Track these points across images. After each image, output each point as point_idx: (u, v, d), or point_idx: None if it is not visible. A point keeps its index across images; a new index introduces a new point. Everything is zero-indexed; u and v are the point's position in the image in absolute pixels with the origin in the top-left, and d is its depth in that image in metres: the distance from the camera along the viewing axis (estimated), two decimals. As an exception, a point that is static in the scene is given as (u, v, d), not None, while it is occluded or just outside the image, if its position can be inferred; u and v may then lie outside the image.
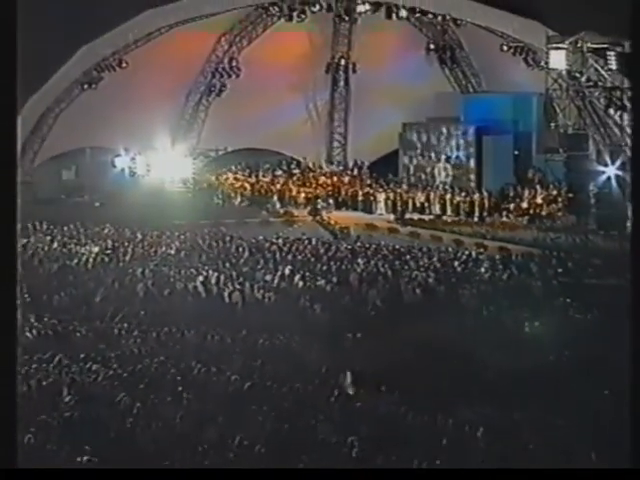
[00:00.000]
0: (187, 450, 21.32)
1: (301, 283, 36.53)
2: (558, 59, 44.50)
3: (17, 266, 14.47)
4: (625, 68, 43.69)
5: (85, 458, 20.85)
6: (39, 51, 47.24)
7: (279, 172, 52.50)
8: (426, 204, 48.95)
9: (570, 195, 46.68)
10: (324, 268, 38.20)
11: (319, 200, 50.43)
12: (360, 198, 50.34)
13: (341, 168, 53.76)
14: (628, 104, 43.76)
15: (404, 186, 50.08)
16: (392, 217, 48.33)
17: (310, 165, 53.58)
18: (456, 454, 21.16)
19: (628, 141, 44.18)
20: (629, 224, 44.28)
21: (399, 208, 49.01)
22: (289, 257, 39.77)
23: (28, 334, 30.38)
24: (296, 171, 52.83)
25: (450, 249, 41.90)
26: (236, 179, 52.07)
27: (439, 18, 48.98)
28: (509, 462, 20.61)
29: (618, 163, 44.27)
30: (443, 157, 50.04)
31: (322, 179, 52.02)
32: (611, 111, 44.25)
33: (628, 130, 44.01)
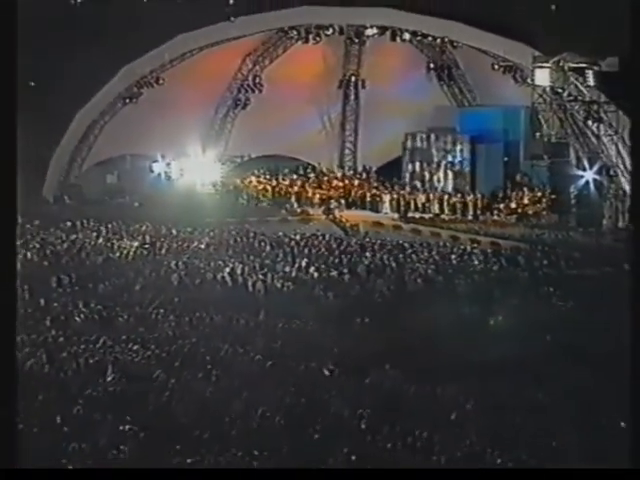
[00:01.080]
0: (216, 420, 21.48)
1: (316, 274, 36.59)
2: (542, 77, 44.57)
3: (17, 266, 13.63)
4: (602, 85, 43.81)
5: (127, 427, 21.06)
6: (87, 71, 47.56)
7: (296, 176, 52.47)
8: (426, 204, 49.00)
9: (553, 196, 46.78)
10: (336, 261, 38.25)
11: (332, 201, 50.48)
12: (368, 199, 50.39)
13: (351, 172, 53.70)
14: (604, 116, 43.86)
15: (407, 188, 50.10)
16: (396, 216, 48.35)
17: (324, 170, 53.56)
18: (451, 424, 21.33)
19: (604, 149, 44.29)
20: (605, 222, 44.48)
21: (402, 208, 49.04)
22: (305, 251, 39.77)
23: (77, 318, 30.54)
24: (312, 175, 52.80)
25: (447, 244, 41.90)
26: (259, 182, 52.07)
27: (438, 40, 48.97)
28: (495, 430, 20.76)
29: (595, 168, 44.39)
30: (442, 163, 50.07)
31: (335, 182, 52.01)
32: (589, 122, 44.32)
33: (604, 139, 44.12)
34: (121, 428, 20.91)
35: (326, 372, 25.21)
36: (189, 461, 19.14)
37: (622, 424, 20.82)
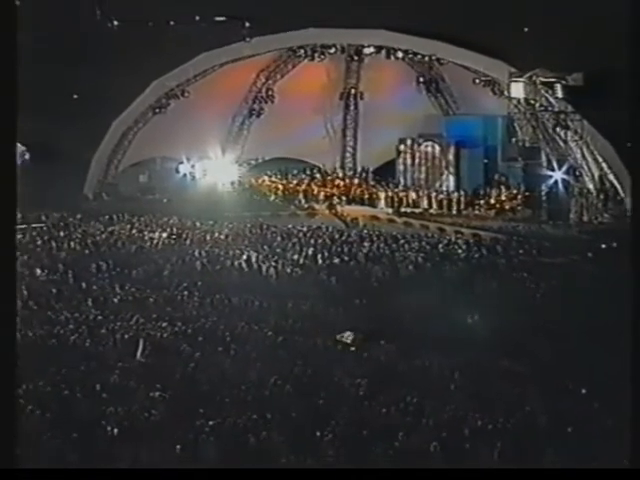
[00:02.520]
0: (234, 388, 21.49)
1: (321, 261, 36.52)
2: (517, 90, 44.52)
3: (16, 266, 12.66)
4: (568, 97, 43.84)
5: (157, 394, 21.08)
6: (123, 85, 47.66)
7: (304, 176, 52.40)
8: (416, 200, 48.90)
9: (527, 194, 46.66)
10: (338, 249, 38.15)
11: (334, 197, 50.43)
12: (366, 196, 50.24)
13: (351, 173, 53.54)
14: (571, 124, 43.83)
15: (400, 187, 50.01)
16: (390, 210, 48.22)
17: (328, 170, 53.40)
18: (439, 391, 21.31)
19: (571, 153, 44.28)
20: (572, 216, 44.44)
21: (396, 204, 48.94)
22: (311, 241, 39.68)
23: (114, 299, 30.60)
24: (317, 175, 52.66)
25: (435, 235, 41.85)
26: (271, 181, 51.98)
27: (426, 58, 48.83)
28: (476, 396, 20.75)
29: (563, 169, 44.35)
30: (430, 165, 49.94)
31: (337, 181, 51.88)
32: (558, 129, 44.27)
33: (571, 144, 44.08)
34: (152, 394, 20.94)
35: (335, 345, 25.23)
36: (211, 423, 19.16)
37: (583, 390, 20.85)
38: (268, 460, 17.53)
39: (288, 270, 35.25)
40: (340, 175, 52.89)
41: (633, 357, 11.92)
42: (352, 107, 53.89)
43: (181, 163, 50.88)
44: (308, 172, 52.77)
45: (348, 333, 25.62)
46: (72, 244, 39.40)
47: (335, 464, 17.40)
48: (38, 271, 34.68)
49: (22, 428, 18.93)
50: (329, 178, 52.40)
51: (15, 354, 13.41)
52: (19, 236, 40.44)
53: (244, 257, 36.57)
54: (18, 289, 31.86)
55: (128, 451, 17.86)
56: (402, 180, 50.07)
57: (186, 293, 31.25)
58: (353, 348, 25.16)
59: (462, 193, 48.22)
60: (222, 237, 40.81)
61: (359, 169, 53.54)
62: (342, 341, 25.40)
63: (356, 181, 51.83)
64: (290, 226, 42.88)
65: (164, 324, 27.07)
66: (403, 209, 48.28)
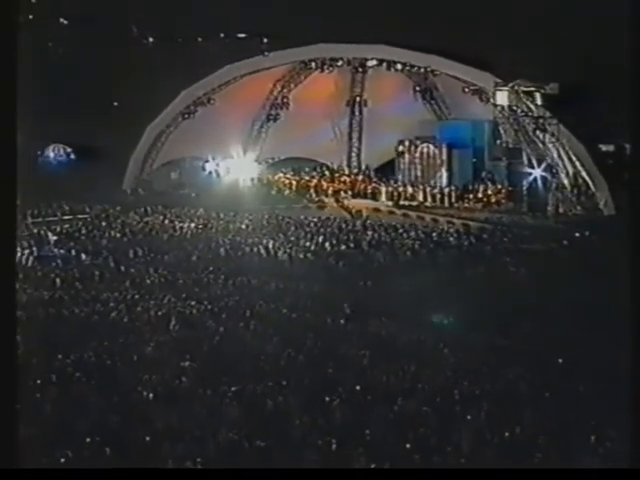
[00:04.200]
0: (253, 359, 21.46)
1: (329, 247, 36.49)
2: (501, 97, 44.40)
3: (15, 264, 11.07)
4: (546, 104, 43.82)
5: (187, 363, 21.11)
6: (156, 94, 47.68)
7: (314, 173, 52.25)
8: (413, 195, 48.76)
9: (510, 188, 46.51)
10: (345, 237, 38.06)
11: (341, 192, 50.34)
12: (369, 191, 50.03)
13: (356, 170, 53.38)
14: (548, 128, 43.79)
15: (399, 183, 49.85)
16: (390, 203, 48.08)
17: (335, 168, 53.29)
18: (432, 362, 21.30)
19: (548, 153, 44.19)
20: (549, 208, 44.33)
21: (395, 198, 48.82)
22: (321, 230, 39.59)
23: (148, 281, 30.62)
24: (326, 173, 52.49)
25: (429, 225, 41.78)
26: (286, 178, 51.76)
27: (422, 70, 48.73)
28: (465, 367, 20.73)
29: (542, 167, 44.24)
30: (425, 163, 49.77)
31: (344, 178, 51.68)
32: (537, 132, 44.19)
33: (549, 145, 43.98)
34: (182, 364, 20.98)
35: (342, 321, 25.24)
36: (233, 389, 19.17)
37: (559, 360, 20.80)
38: (284, 421, 17.55)
39: (300, 256, 35.24)
40: (346, 172, 52.72)
41: (633, 357, 11.27)
42: (357, 113, 53.64)
43: (207, 162, 50.76)
44: (318, 170, 52.62)
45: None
46: (112, 233, 39.43)
47: (342, 425, 17.40)
48: (83, 256, 34.76)
49: (71, 393, 19.13)
50: (336, 175, 52.23)
51: (16, 358, 12.21)
52: (66, 226, 40.60)
53: (262, 244, 36.55)
54: (67, 271, 32.10)
55: (162, 413, 17.89)
56: (401, 177, 49.90)
57: (211, 276, 31.25)
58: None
59: (453, 188, 48.07)
60: (243, 227, 40.78)
61: (363, 167, 53.32)
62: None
63: (360, 178, 51.66)
64: (302, 217, 42.76)
65: (192, 303, 27.08)
66: (402, 202, 48.12)
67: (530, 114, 44.29)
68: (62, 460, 15.66)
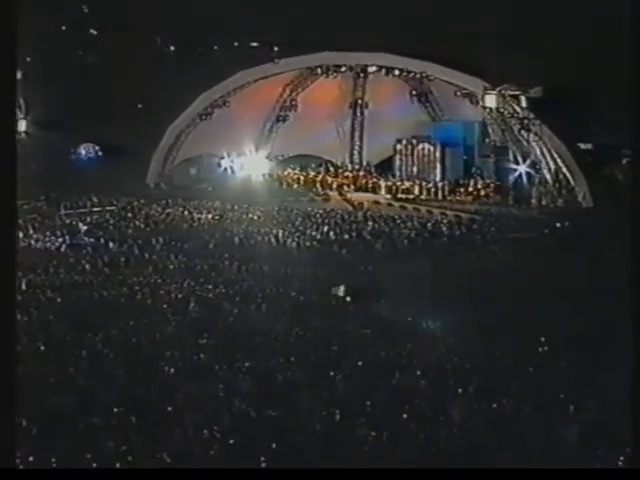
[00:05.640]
0: (264, 336, 21.41)
1: (333, 236, 36.47)
2: (490, 100, 44.36)
3: (16, 263, 9.88)
4: (530, 106, 43.75)
5: (204, 341, 21.09)
6: (177, 97, 47.68)
7: (320, 169, 52.16)
8: (410, 188, 48.63)
9: (497, 183, 46.45)
10: (347, 227, 38.03)
11: (344, 186, 50.24)
12: (370, 185, 49.95)
13: (358, 167, 53.26)
14: (532, 128, 43.75)
15: (397, 178, 49.71)
16: (389, 196, 47.99)
17: (339, 165, 53.16)
18: (427, 340, 21.26)
19: (532, 150, 44.12)
20: (533, 201, 44.26)
21: (394, 191, 48.69)
22: (326, 221, 39.55)
23: (170, 266, 30.59)
24: (330, 168, 52.38)
25: (425, 216, 41.74)
26: (294, 173, 51.72)
27: (418, 75, 48.59)
28: (457, 344, 20.69)
29: (526, 164, 44.21)
30: (420, 160, 49.59)
31: (346, 173, 51.55)
32: (522, 132, 44.17)
33: (532, 144, 43.92)
34: (200, 342, 20.96)
35: (348, 298, 25.15)
36: (247, 364, 19.15)
37: (541, 338, 20.71)
38: (292, 393, 17.52)
39: (307, 244, 35.21)
40: (349, 168, 52.55)
41: (634, 359, 10.94)
42: (358, 114, 53.44)
43: (223, 159, 50.63)
44: (323, 166, 52.53)
45: (342, 287, 25.57)
46: (137, 223, 39.42)
47: (344, 397, 17.38)
48: (111, 244, 34.74)
49: (100, 367, 19.13)
50: (340, 171, 52.10)
51: (15, 360, 11.28)
52: (96, 217, 40.58)
53: (272, 234, 36.51)
54: (96, 257, 32.08)
55: (182, 386, 17.88)
56: (398, 172, 49.73)
57: (226, 262, 31.22)
58: (349, 299, 25.13)
59: (446, 183, 47.93)
60: (255, 218, 40.73)
61: (364, 163, 53.20)
62: (336, 295, 25.35)
63: (362, 173, 51.52)
64: (309, 209, 42.72)
65: (209, 286, 27.08)
66: (399, 195, 47.99)
67: (516, 115, 44.20)
68: (93, 425, 15.64)
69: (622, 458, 14.29)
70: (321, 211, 42.08)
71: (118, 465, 14.18)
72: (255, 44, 52.14)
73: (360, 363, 19.32)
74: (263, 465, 14.22)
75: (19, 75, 46.22)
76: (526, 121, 43.89)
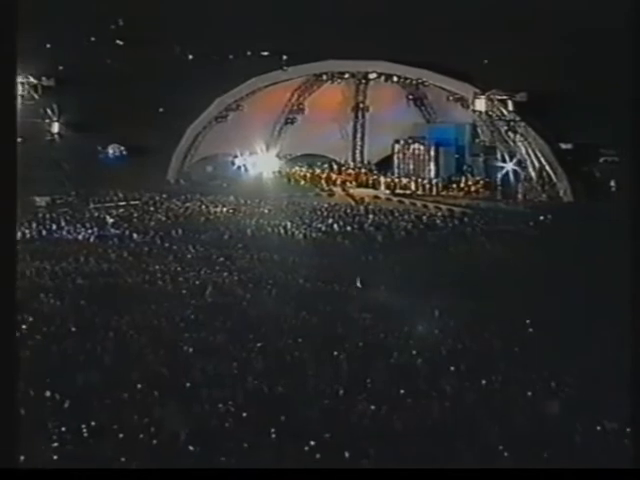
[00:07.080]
0: (274, 320, 21.33)
1: (337, 229, 36.45)
2: (480, 104, 44.36)
3: (16, 261, 9.00)
4: (517, 109, 43.67)
5: (219, 324, 21.01)
6: (195, 101, 47.72)
7: (325, 167, 52.12)
8: (407, 185, 48.55)
9: (486, 180, 46.48)
10: (350, 220, 38.01)
11: (347, 183, 50.20)
12: (370, 181, 49.97)
13: (360, 165, 53.23)
14: (518, 129, 43.79)
15: (395, 175, 49.64)
16: (388, 192, 47.99)
17: (342, 163, 53.13)
18: (425, 324, 21.15)
19: (518, 150, 44.14)
20: (519, 196, 44.20)
21: (392, 187, 48.64)
22: (331, 214, 39.53)
23: (188, 256, 30.54)
24: (335, 166, 52.41)
25: (420, 210, 41.66)
26: (301, 171, 51.72)
27: (414, 81, 48.55)
28: (452, 327, 20.62)
29: (513, 162, 44.22)
30: (417, 159, 49.47)
31: (349, 171, 51.58)
32: (509, 133, 44.17)
33: (519, 144, 43.95)
34: (216, 324, 20.92)
35: (359, 284, 25.10)
36: (258, 345, 19.09)
37: (527, 321, 20.66)
38: (299, 371, 17.50)
39: (314, 235, 35.19)
40: (351, 166, 52.53)
41: (633, 360, 10.83)
42: (360, 117, 53.37)
43: (236, 157, 50.64)
44: (328, 164, 52.48)
45: (358, 279, 25.58)
46: (158, 216, 39.42)
47: (347, 375, 17.34)
48: (135, 235, 34.73)
49: (125, 347, 19.11)
50: (343, 168, 52.09)
51: (17, 356, 10.23)
52: (121, 210, 40.58)
53: (282, 226, 36.46)
54: (122, 248, 32.05)
55: (199, 364, 17.85)
56: (397, 170, 49.73)
57: (240, 251, 31.13)
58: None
59: (440, 179, 47.95)
60: (266, 211, 40.69)
61: (365, 162, 53.16)
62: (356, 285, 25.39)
63: (363, 171, 51.50)
64: (315, 203, 42.71)
65: (224, 274, 27.00)
66: (397, 191, 47.98)
67: (503, 118, 44.20)
68: (122, 398, 15.65)
69: (599, 428, 14.23)
70: (326, 205, 42.04)
71: (141, 436, 14.15)
72: (266, 53, 52.11)
73: (361, 344, 19.25)
74: (273, 436, 14.18)
75: (52, 82, 46.58)
76: (512, 123, 43.88)
